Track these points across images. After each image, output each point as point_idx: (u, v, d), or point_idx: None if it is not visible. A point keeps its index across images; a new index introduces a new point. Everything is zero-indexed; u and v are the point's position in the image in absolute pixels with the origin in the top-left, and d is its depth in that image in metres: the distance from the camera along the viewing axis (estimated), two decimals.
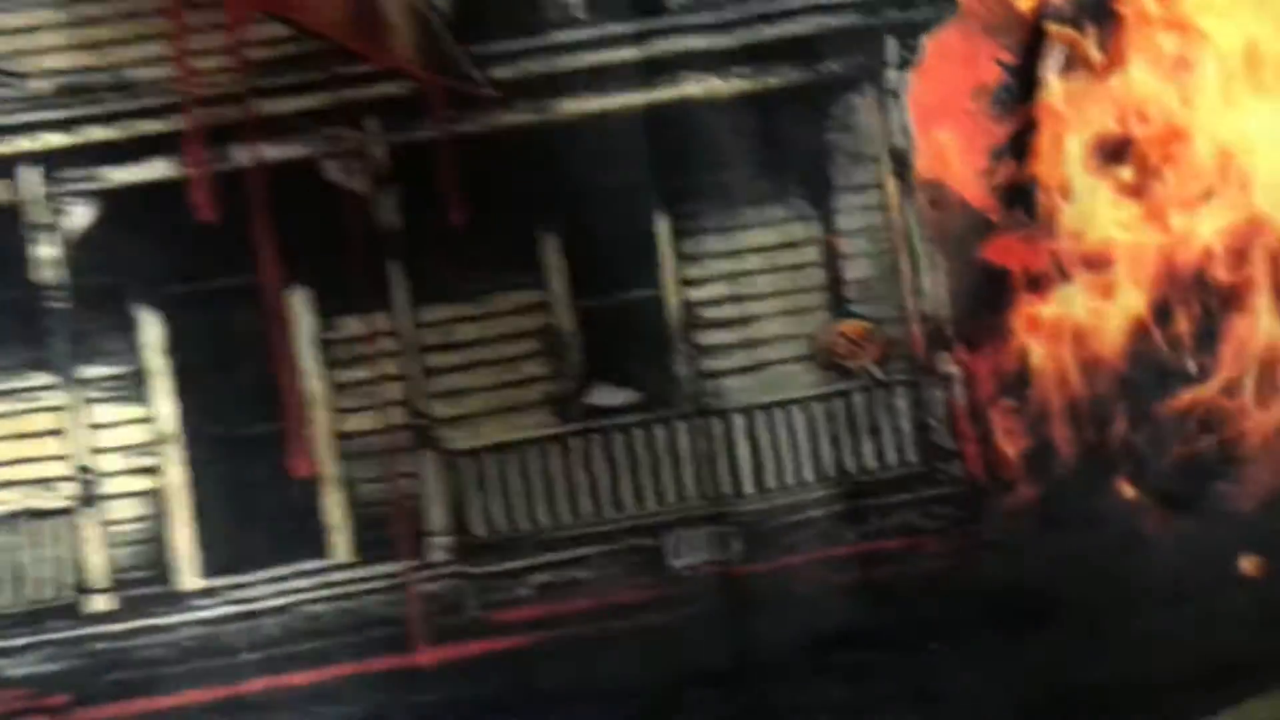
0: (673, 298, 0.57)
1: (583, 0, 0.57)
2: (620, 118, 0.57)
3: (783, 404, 0.57)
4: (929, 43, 0.58)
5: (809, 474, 0.57)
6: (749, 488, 0.57)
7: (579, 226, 0.57)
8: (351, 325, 0.57)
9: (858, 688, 0.58)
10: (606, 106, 0.57)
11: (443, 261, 0.57)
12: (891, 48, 0.58)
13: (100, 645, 0.56)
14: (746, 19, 0.57)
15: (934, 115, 0.58)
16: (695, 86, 0.57)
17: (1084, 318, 0.58)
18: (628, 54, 0.57)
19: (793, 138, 0.58)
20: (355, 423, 0.57)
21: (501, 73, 0.57)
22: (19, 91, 0.56)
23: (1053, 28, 0.58)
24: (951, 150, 0.59)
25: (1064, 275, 0.58)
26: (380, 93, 0.56)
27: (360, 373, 0.57)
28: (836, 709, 0.57)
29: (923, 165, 0.58)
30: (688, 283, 0.57)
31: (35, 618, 0.56)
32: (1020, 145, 0.58)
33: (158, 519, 0.56)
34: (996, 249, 0.58)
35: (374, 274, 0.57)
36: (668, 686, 0.57)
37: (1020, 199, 0.58)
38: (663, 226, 0.57)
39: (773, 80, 0.57)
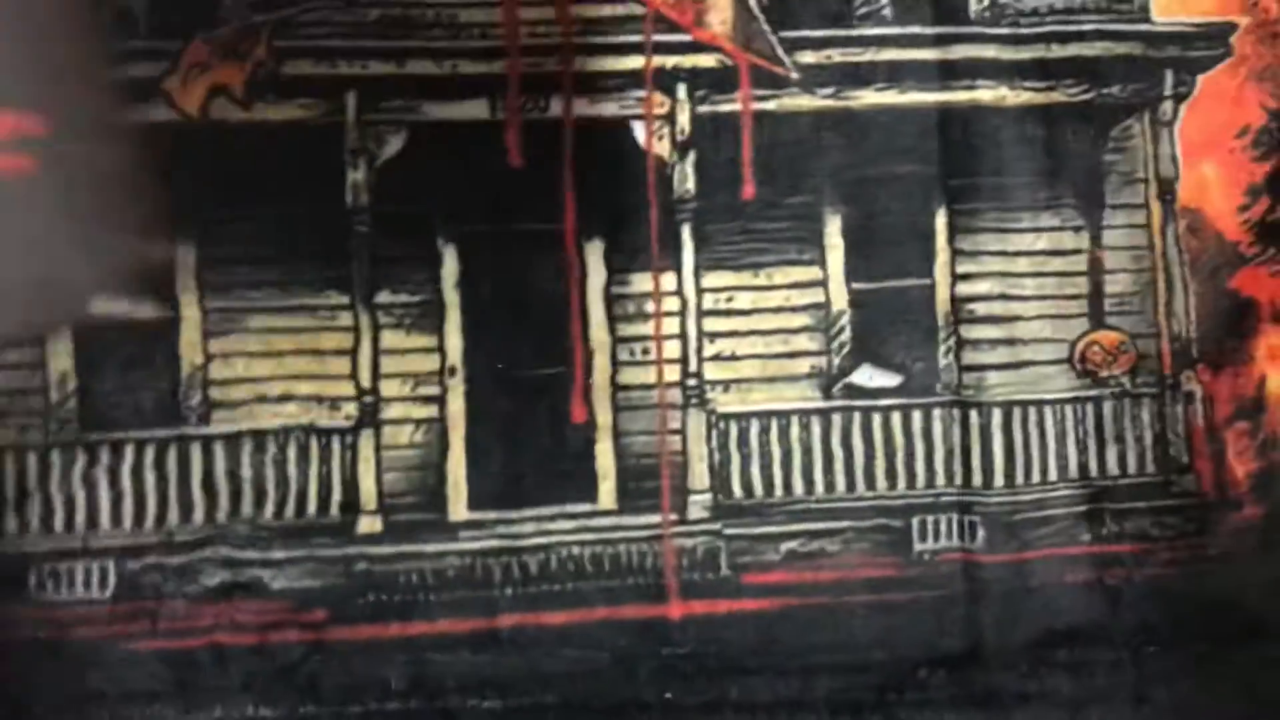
0: (943, 289, 0.61)
1: (889, 0, 0.61)
2: (914, 113, 0.61)
3: (1038, 403, 0.61)
4: (1203, 80, 0.62)
5: (1054, 473, 0.61)
6: (999, 481, 0.61)
7: (862, 211, 0.61)
8: (639, 282, 0.60)
9: (1078, 683, 0.61)
10: (901, 102, 0.60)
11: (729, 231, 0.60)
12: (1169, 81, 0.62)
13: (362, 566, 0.58)
14: (1040, 36, 0.61)
15: (1199, 149, 0.62)
16: (987, 93, 0.61)
17: None
18: (927, 55, 0.61)
19: (1071, 152, 0.62)
20: (631, 375, 0.60)
21: (806, 59, 0.60)
22: (354, 16, 0.58)
23: None
24: (1212, 183, 0.63)
25: None
26: (692, 63, 0.60)
27: (641, 328, 0.60)
28: (1057, 701, 0.61)
29: (1185, 194, 0.62)
30: (959, 277, 0.61)
31: (301, 533, 0.58)
32: (1277, 185, 0.62)
33: (434, 448, 0.59)
34: (1246, 279, 0.62)
35: (665, 236, 0.60)
36: (902, 663, 0.60)
37: (1273, 235, 0.62)
38: (941, 220, 0.61)
39: (1058, 95, 0.61)
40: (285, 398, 0.58)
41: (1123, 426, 0.63)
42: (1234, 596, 0.63)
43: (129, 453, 0.58)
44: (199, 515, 0.58)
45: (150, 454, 0.58)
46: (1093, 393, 0.63)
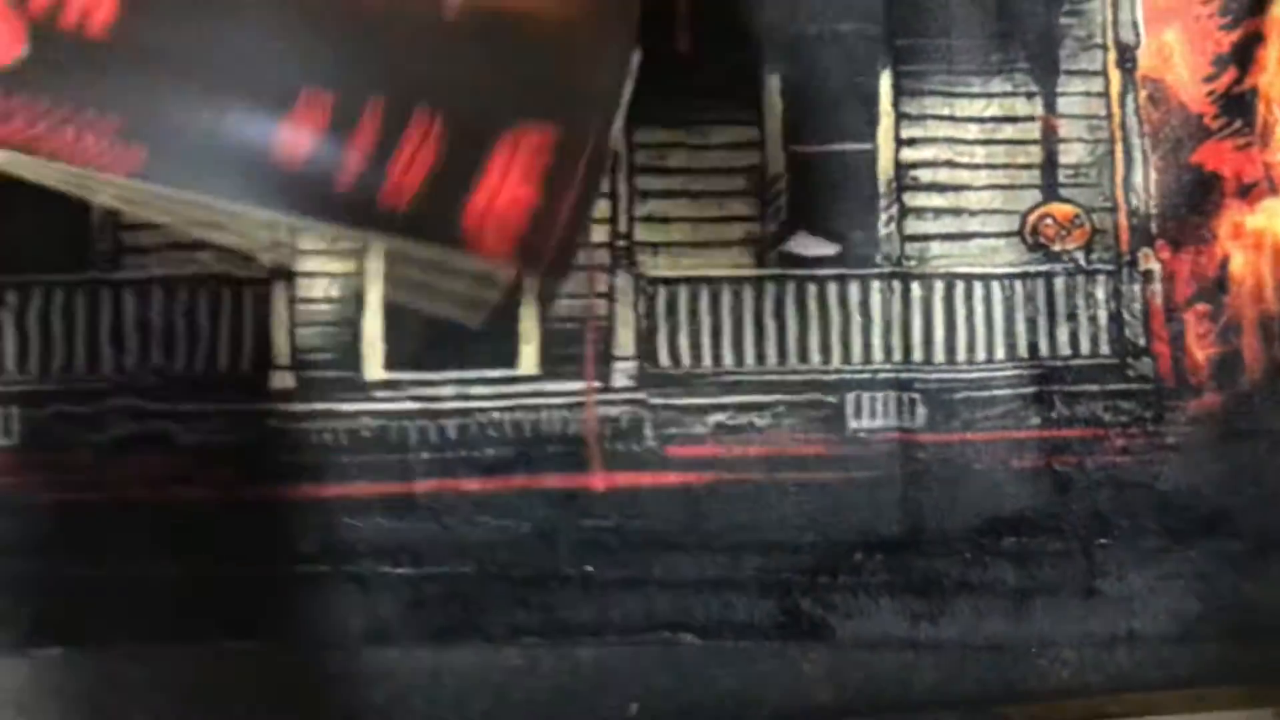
0: (886, 155, 0.59)
1: None
2: None
3: (984, 277, 0.59)
4: None
5: (1001, 351, 0.59)
6: (939, 356, 0.59)
7: (803, 70, 0.59)
8: None
9: (1024, 573, 0.59)
10: None
11: (664, 86, 0.59)
12: None
13: (275, 423, 0.58)
14: None
15: (1164, 15, 0.60)
16: None
17: None
18: None
19: (1025, 13, 0.60)
20: None
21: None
22: None
23: None
24: (1176, 52, 0.61)
25: (1274, 189, 0.60)
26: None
27: None
28: (1001, 591, 0.59)
29: (1146, 63, 0.60)
30: (904, 142, 0.59)
31: (210, 386, 0.58)
32: (1245, 55, 0.60)
33: (350, 304, 0.58)
34: (1209, 153, 0.60)
35: None
36: (835, 546, 0.59)
37: (1239, 108, 0.60)
38: (886, 82, 0.59)
39: None
40: (199, 245, 0.59)
41: (1075, 304, 0.61)
42: (1191, 488, 0.60)
43: (36, 295, 0.57)
44: (107, 364, 0.58)
45: (58, 298, 0.58)
46: (1044, 268, 0.60)
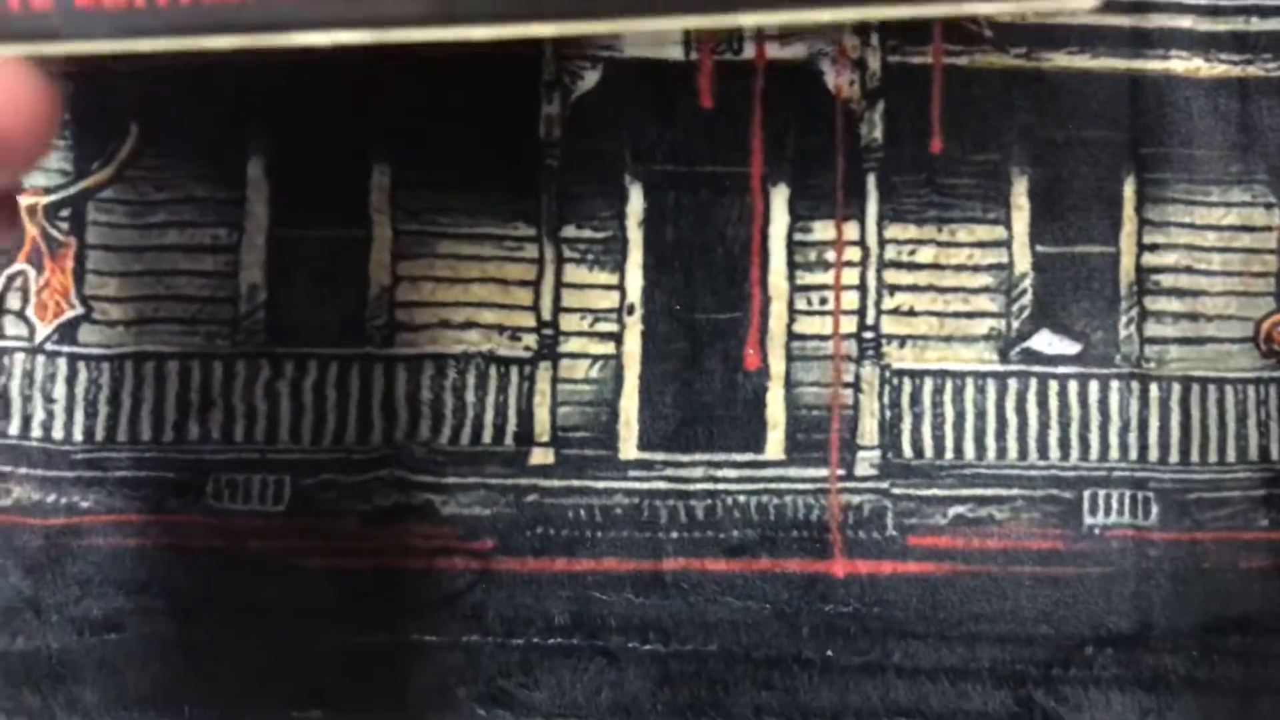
0: (1128, 258, 0.62)
1: None
2: (1105, 79, 0.62)
3: (1219, 381, 0.62)
4: None
5: (1232, 454, 0.62)
6: (1174, 457, 0.61)
7: (1050, 173, 0.62)
8: (821, 230, 0.62)
9: (1250, 672, 0.61)
10: (1093, 66, 0.62)
11: (914, 184, 0.62)
12: None
13: (532, 498, 0.60)
14: (1239, 9, 0.63)
15: None
16: (1180, 64, 0.62)
17: None
18: (1121, 22, 0.63)
19: (1265, 127, 0.63)
20: (807, 325, 0.62)
21: (1000, 17, 0.62)
22: None
23: None
24: None
25: None
26: (890, 13, 0.61)
27: (821, 277, 0.62)
28: (1226, 690, 0.61)
29: None
30: (1146, 247, 0.62)
31: (474, 460, 0.60)
32: None
33: (609, 385, 0.61)
34: None
35: (850, 184, 0.62)
36: (1068, 639, 0.61)
37: None
38: (1130, 188, 0.62)
39: (1255, 70, 0.62)
40: (468, 324, 0.61)
41: None
42: None
43: (312, 368, 0.61)
44: (376, 436, 0.61)
45: (333, 371, 0.61)
46: (1276, 374, 0.63)
